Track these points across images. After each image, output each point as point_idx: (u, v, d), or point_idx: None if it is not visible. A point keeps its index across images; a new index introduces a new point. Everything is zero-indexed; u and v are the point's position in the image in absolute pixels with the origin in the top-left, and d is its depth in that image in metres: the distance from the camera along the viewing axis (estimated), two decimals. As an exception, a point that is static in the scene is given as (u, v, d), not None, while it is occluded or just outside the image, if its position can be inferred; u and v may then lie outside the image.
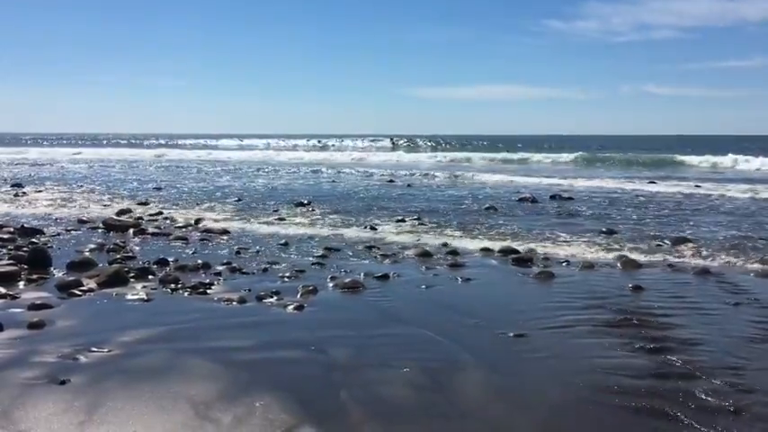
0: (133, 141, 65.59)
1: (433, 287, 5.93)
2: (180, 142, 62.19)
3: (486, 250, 7.60)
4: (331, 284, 5.94)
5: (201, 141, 62.45)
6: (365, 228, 9.29)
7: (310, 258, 7.12)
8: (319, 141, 56.95)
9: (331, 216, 10.61)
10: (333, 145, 52.91)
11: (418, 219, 10.24)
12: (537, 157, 28.67)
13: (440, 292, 5.75)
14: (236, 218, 10.31)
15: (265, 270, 6.49)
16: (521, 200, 13.06)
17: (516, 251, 7.56)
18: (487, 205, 11.89)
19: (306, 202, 12.14)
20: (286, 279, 6.15)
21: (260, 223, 9.68)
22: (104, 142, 61.81)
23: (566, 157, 28.44)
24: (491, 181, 17.89)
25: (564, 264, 6.96)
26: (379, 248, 7.75)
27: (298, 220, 10.14)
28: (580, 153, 28.77)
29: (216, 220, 9.92)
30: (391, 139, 57.01)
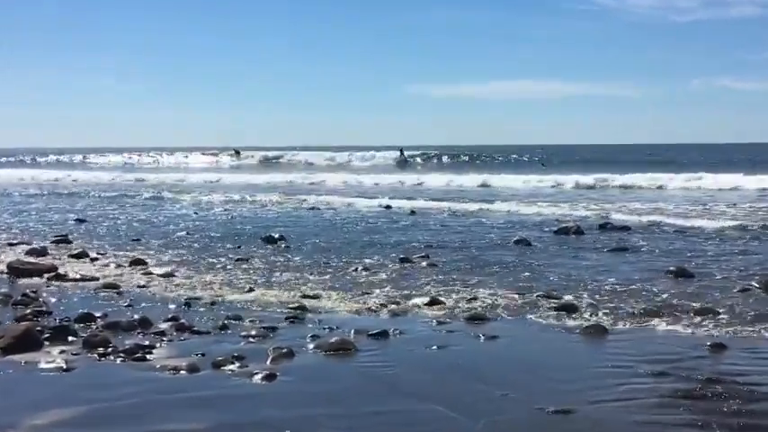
0: (42, 159, 66.39)
1: (448, 347, 5.93)
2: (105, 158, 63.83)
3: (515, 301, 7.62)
4: (311, 345, 5.94)
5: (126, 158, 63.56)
6: (355, 270, 9.33)
7: (284, 311, 7.11)
8: (270, 159, 57.53)
9: (312, 255, 10.64)
10: (291, 159, 53.92)
11: (426, 257, 10.26)
12: (576, 178, 28.68)
13: (456, 354, 5.75)
14: (187, 259, 10.33)
15: (224, 327, 6.49)
16: (560, 231, 13.11)
17: (556, 297, 7.58)
18: (517, 238, 11.93)
19: (277, 237, 12.18)
20: (252, 339, 6.14)
21: (215, 270, 9.63)
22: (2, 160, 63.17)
23: (614, 178, 28.40)
24: (523, 209, 17.94)
25: (618, 314, 6.95)
26: (372, 294, 7.77)
27: (266, 260, 10.16)
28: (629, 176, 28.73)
29: (160, 263, 9.93)
30: (401, 151, 56.62)
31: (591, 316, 6.93)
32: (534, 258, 10.32)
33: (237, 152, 62.65)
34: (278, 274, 9.12)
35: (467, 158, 58.80)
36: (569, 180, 28.10)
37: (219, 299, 7.68)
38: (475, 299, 7.64)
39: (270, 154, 61.89)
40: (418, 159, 56.54)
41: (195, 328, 6.44)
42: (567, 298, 7.63)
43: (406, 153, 56.68)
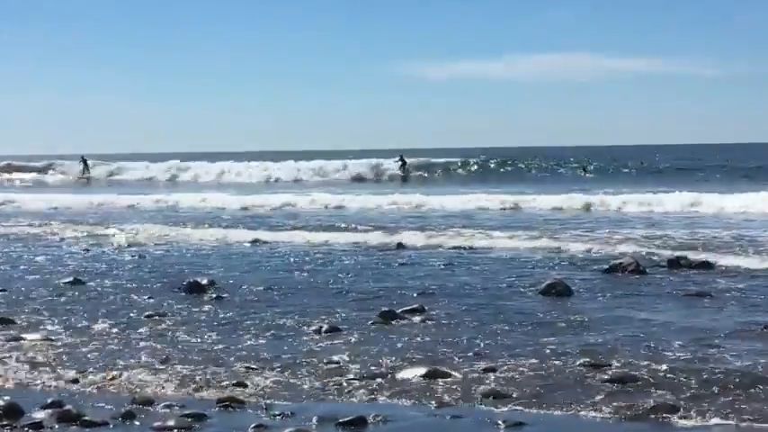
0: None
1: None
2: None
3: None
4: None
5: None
6: (320, 329, 9.38)
7: (212, 391, 7.08)
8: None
9: (257, 309, 10.66)
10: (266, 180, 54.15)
11: (420, 310, 10.29)
12: (634, 197, 28.79)
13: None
14: (74, 316, 10.29)
15: (128, 416, 6.46)
16: (612, 269, 13.18)
17: (605, 365, 7.67)
18: (550, 281, 11.99)
19: (205, 283, 12.17)
20: (169, 432, 6.12)
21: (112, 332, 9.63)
22: None
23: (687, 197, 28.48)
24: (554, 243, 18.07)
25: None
26: (347, 364, 7.83)
27: (188, 320, 10.16)
28: None
29: (34, 322, 9.88)
30: (401, 159, 56.90)
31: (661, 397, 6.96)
32: (574, 311, 10.41)
33: (85, 162, 61.89)
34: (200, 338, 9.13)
35: (481, 166, 59.52)
36: (617, 201, 28.33)
37: (119, 374, 7.66)
38: (492, 369, 7.64)
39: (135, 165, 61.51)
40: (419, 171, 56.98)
41: (86, 418, 6.38)
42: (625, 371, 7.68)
43: (407, 161, 57.00)
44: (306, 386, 7.31)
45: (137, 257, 16.18)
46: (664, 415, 6.43)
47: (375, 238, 18.93)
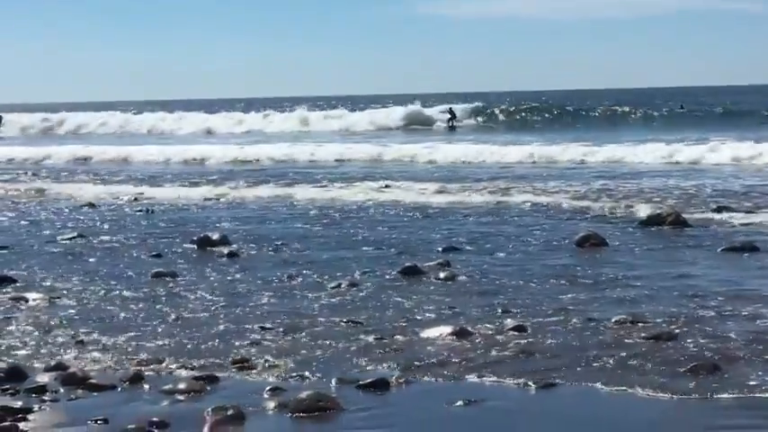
0: None
1: (482, 402, 5.94)
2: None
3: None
4: (272, 404, 5.96)
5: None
6: (339, 285, 9.41)
7: (225, 353, 7.10)
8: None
9: (267, 266, 10.66)
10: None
11: (444, 265, 10.25)
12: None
13: (494, 414, 5.79)
14: (79, 275, 10.31)
15: (137, 378, 6.49)
16: (649, 222, 13.05)
17: (647, 321, 7.59)
18: (584, 233, 11.89)
19: (216, 238, 12.16)
20: (179, 396, 6.17)
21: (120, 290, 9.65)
22: None
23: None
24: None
25: None
26: (364, 325, 7.85)
27: (199, 275, 10.18)
28: None
29: (36, 281, 9.93)
30: (450, 112, 53.81)
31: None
32: (610, 266, 10.34)
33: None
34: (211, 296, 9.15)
35: (539, 110, 57.01)
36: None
37: (125, 336, 7.69)
38: (523, 329, 7.60)
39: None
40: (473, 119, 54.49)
41: (92, 381, 6.42)
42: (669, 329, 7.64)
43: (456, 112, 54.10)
44: (324, 346, 7.30)
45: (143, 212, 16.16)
46: (705, 374, 6.34)
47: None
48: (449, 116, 53.67)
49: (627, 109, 57.00)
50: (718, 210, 14.15)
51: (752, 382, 6.12)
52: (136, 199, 18.32)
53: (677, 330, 7.42)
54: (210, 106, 70.42)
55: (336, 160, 28.31)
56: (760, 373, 6.31)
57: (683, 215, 13.38)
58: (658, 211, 13.59)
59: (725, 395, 5.95)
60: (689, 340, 7.16)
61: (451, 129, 51.34)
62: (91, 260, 11.31)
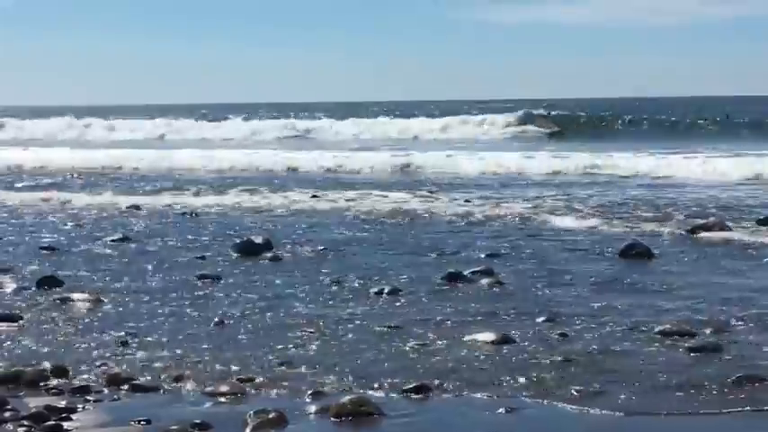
0: None
1: (525, 410, 5.93)
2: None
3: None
4: (313, 407, 5.98)
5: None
6: (382, 291, 9.40)
7: (268, 356, 7.13)
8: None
9: (314, 270, 10.70)
10: None
11: (487, 273, 10.23)
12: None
13: (538, 421, 5.76)
14: (121, 278, 10.39)
15: (180, 379, 6.55)
16: (696, 230, 12.93)
17: (690, 333, 7.60)
18: (629, 242, 11.84)
19: (260, 242, 12.16)
20: (221, 398, 6.20)
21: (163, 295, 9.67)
22: None
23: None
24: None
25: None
26: (409, 327, 7.85)
27: (244, 280, 10.19)
28: None
29: (82, 283, 10.00)
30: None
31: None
32: (655, 273, 10.32)
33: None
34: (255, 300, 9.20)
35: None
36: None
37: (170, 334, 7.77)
38: (565, 335, 7.62)
39: None
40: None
41: (136, 381, 6.48)
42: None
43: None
44: (366, 351, 7.33)
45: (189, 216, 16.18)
46: (750, 386, 6.32)
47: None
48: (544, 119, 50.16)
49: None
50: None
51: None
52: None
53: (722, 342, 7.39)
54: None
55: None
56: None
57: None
58: (704, 221, 13.54)
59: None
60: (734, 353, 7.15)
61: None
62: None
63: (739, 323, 8.02)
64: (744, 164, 23.92)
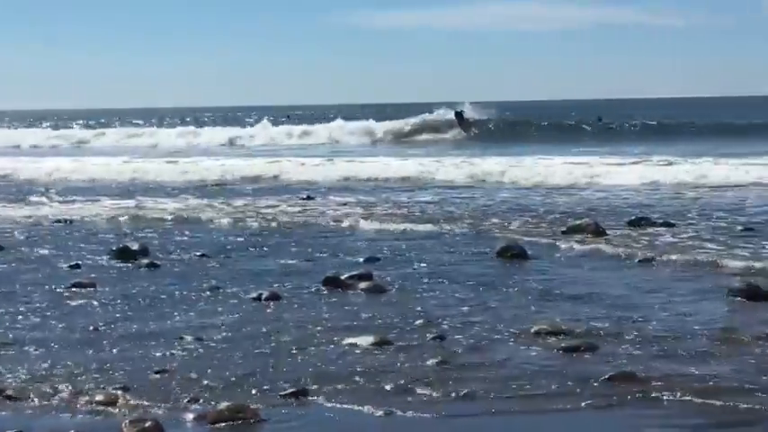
0: None
1: (399, 414, 5.97)
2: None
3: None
4: (191, 415, 5.97)
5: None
6: (260, 296, 9.35)
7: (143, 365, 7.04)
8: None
9: (192, 277, 10.64)
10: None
11: (366, 277, 10.26)
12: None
13: (416, 427, 5.81)
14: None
15: (53, 388, 6.45)
16: (571, 231, 13.23)
17: (566, 332, 7.74)
18: (504, 244, 12.03)
19: (136, 249, 11.99)
20: (96, 405, 6.16)
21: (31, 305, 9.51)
22: None
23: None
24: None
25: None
26: (284, 334, 7.80)
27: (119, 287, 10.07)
28: None
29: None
30: (460, 114, 48.59)
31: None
32: (533, 275, 10.53)
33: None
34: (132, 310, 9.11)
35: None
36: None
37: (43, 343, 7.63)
38: (442, 337, 7.72)
39: None
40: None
41: (7, 392, 6.38)
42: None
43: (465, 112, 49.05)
44: (244, 357, 7.32)
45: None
46: (620, 384, 6.49)
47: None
48: (457, 117, 49.12)
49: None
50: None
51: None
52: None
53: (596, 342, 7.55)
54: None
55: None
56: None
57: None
58: (578, 222, 13.86)
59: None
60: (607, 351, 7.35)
61: (467, 127, 47.57)
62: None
63: (611, 323, 8.23)
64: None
